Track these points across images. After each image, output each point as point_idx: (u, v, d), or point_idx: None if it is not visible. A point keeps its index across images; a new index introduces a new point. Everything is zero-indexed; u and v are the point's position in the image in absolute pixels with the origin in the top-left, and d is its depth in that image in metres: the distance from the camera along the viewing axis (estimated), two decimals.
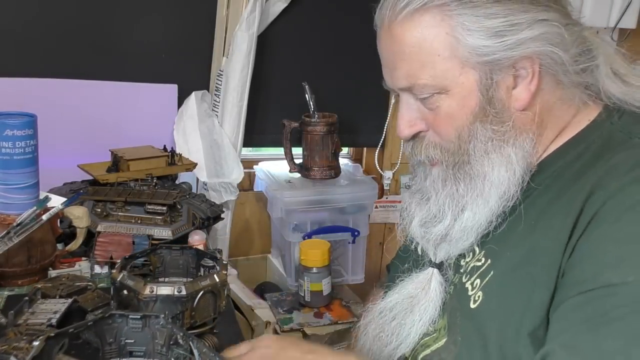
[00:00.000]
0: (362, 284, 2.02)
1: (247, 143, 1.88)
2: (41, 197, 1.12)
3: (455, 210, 0.85)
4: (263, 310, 1.70)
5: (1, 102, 1.35)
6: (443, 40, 0.78)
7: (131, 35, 1.73)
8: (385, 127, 2.08)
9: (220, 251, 1.05)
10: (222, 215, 1.38)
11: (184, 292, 0.88)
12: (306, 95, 1.83)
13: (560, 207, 0.77)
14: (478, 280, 0.84)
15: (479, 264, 0.85)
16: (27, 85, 1.62)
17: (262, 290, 1.94)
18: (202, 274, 1.00)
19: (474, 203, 0.83)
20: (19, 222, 1.01)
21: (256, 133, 1.92)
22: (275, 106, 1.93)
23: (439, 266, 0.92)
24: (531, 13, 0.77)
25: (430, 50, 0.79)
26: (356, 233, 1.95)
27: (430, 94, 0.82)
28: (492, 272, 0.82)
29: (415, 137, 0.87)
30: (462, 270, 0.89)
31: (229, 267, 1.01)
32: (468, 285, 0.85)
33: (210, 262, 1.00)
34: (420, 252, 0.96)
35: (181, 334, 0.80)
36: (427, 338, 0.92)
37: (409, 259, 0.99)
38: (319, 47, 1.95)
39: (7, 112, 1.11)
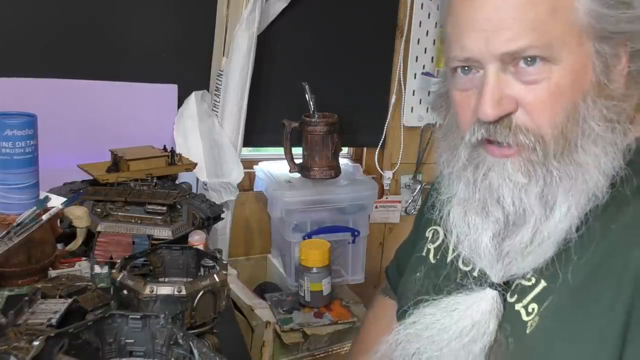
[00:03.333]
0: (362, 284, 2.02)
1: (247, 143, 1.88)
2: (41, 197, 1.12)
3: (545, 207, 0.74)
4: (263, 310, 1.70)
5: (1, 102, 1.35)
6: (564, 2, 0.71)
7: (131, 35, 1.73)
8: (385, 127, 2.08)
9: (220, 251, 1.05)
10: (222, 215, 1.38)
11: (184, 292, 0.88)
12: (306, 95, 1.82)
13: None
14: (535, 305, 0.75)
15: (529, 284, 0.77)
16: (27, 85, 1.62)
17: (262, 290, 1.94)
18: (202, 274, 1.00)
19: (570, 196, 0.72)
20: (19, 222, 1.01)
21: (256, 133, 1.92)
22: (275, 106, 1.93)
23: (500, 286, 0.81)
24: None
25: (548, 11, 0.70)
26: (356, 233, 1.95)
27: (537, 62, 0.71)
28: (550, 298, 0.74)
29: (499, 120, 0.74)
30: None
31: (229, 267, 1.01)
32: (520, 309, 0.77)
33: (210, 262, 1.00)
34: (469, 272, 0.85)
35: (181, 334, 0.80)
36: None
37: (425, 267, 0.92)
38: (319, 47, 1.95)
39: (7, 112, 1.11)
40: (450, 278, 0.86)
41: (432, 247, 0.94)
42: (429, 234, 0.96)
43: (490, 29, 0.72)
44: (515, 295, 0.78)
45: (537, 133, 0.73)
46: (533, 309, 0.76)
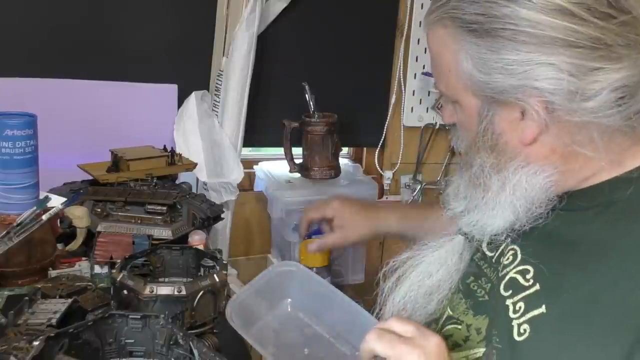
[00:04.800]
0: (362, 284, 2.02)
1: (247, 143, 1.87)
2: (41, 197, 1.12)
3: (469, 205, 0.85)
4: None
5: (1, 102, 1.35)
6: (452, 59, 0.78)
7: (131, 35, 1.73)
8: (385, 127, 2.08)
9: (220, 251, 1.05)
10: (222, 215, 1.38)
11: (184, 292, 0.88)
12: (306, 95, 1.82)
13: (630, 249, 0.73)
14: (522, 304, 0.79)
15: (526, 284, 0.80)
16: (27, 85, 1.62)
17: None
18: (202, 274, 1.00)
19: (479, 210, 0.83)
20: (19, 222, 1.01)
21: (256, 133, 1.91)
22: (275, 106, 1.93)
23: (467, 237, 0.91)
24: (543, 56, 0.71)
25: (444, 62, 0.80)
26: None
27: (449, 100, 0.84)
28: (543, 308, 0.76)
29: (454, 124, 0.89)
30: (500, 270, 0.85)
31: (229, 267, 1.01)
32: (509, 303, 0.80)
33: (210, 262, 1.00)
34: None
35: (181, 334, 0.80)
36: (450, 327, 0.89)
37: None
38: (319, 47, 1.94)
39: (7, 112, 1.11)
40: None
41: None
42: None
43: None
44: (510, 290, 0.81)
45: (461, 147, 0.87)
46: (520, 308, 0.79)
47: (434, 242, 0.94)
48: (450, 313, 0.91)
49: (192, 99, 1.76)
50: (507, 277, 0.82)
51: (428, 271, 0.92)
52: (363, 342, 0.76)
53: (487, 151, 0.80)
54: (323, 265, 1.75)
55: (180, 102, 1.78)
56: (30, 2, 1.62)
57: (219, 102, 1.78)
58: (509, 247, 0.85)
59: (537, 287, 0.78)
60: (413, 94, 2.08)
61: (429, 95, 2.08)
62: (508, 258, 0.84)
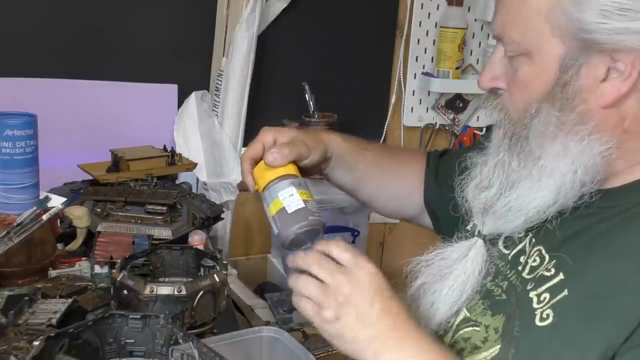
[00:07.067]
0: None
1: (247, 143, 1.87)
2: (41, 197, 1.12)
3: (505, 183, 0.80)
4: (263, 310, 1.69)
5: (1, 102, 1.35)
6: (549, 2, 0.72)
7: (131, 35, 1.73)
8: (385, 127, 2.08)
9: (220, 251, 1.05)
10: (222, 215, 1.38)
11: (184, 292, 0.88)
12: (306, 95, 1.82)
13: None
14: (547, 295, 0.77)
15: (548, 274, 0.78)
16: (27, 85, 1.62)
17: (262, 290, 1.93)
18: (202, 274, 1.00)
19: (523, 183, 0.78)
20: (19, 222, 1.01)
21: (256, 133, 1.90)
22: (275, 106, 1.93)
23: (485, 239, 0.87)
24: None
25: (530, 4, 0.74)
26: (356, 233, 1.95)
27: (515, 53, 0.77)
28: (566, 291, 0.75)
29: (492, 91, 0.83)
30: (521, 270, 0.83)
31: (229, 267, 1.01)
32: (533, 296, 0.79)
33: (210, 262, 1.00)
34: (467, 217, 0.90)
35: (181, 333, 0.80)
36: (468, 329, 0.87)
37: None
38: (319, 47, 1.95)
39: (7, 112, 1.11)
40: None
41: None
42: None
43: (497, 11, 0.79)
44: (533, 284, 0.80)
45: (509, 114, 0.80)
46: (545, 298, 0.77)
47: (453, 248, 0.89)
48: (467, 315, 0.89)
49: (192, 99, 1.76)
50: (537, 276, 0.80)
51: (460, 282, 0.87)
52: (301, 259, 0.77)
53: (561, 106, 0.74)
54: (291, 174, 1.07)
55: (180, 102, 1.78)
56: (30, 2, 1.62)
57: (219, 102, 1.78)
58: (534, 249, 0.83)
59: (561, 276, 0.77)
60: (413, 94, 2.08)
61: (429, 95, 2.08)
62: (535, 260, 0.82)
